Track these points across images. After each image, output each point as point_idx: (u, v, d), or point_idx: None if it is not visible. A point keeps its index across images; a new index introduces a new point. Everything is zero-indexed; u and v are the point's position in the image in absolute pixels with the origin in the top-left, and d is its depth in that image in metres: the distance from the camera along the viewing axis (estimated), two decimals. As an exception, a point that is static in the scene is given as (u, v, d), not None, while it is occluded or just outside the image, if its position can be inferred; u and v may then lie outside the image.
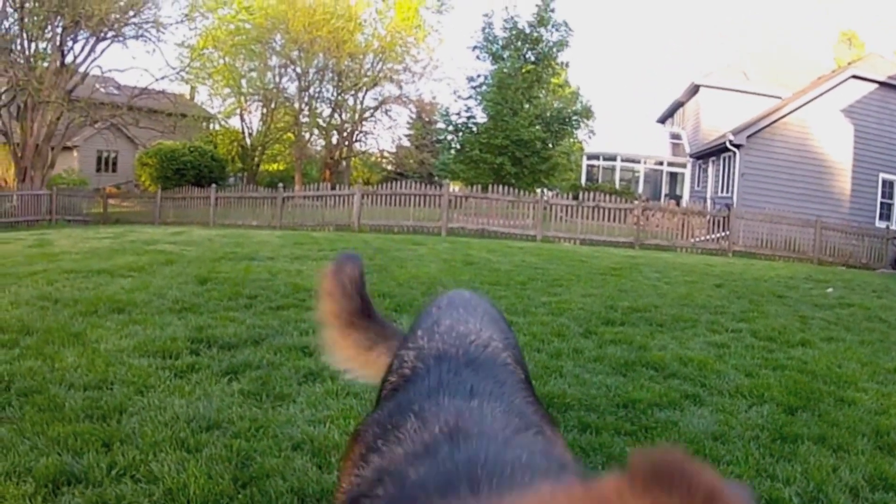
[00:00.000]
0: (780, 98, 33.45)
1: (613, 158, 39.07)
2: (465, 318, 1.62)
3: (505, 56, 35.31)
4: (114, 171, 40.32)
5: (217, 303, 7.45)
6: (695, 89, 37.39)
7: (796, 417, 5.01)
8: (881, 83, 28.59)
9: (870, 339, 8.38)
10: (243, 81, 41.12)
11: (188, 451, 3.60)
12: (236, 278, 9.06)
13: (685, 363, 6.24)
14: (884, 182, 28.75)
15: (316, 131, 43.75)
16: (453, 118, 35.74)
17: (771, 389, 5.58)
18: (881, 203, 28.71)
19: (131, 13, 29.78)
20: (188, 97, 42.21)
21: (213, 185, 26.99)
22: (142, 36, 30.95)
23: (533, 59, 35.47)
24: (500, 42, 35.79)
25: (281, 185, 26.27)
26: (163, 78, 36.04)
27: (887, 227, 25.50)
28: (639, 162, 39.15)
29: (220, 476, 3.36)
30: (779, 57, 39.81)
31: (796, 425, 4.78)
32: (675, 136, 40.88)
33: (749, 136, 28.55)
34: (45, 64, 28.53)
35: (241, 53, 39.72)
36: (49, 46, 29.09)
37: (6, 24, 28.18)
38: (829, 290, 12.83)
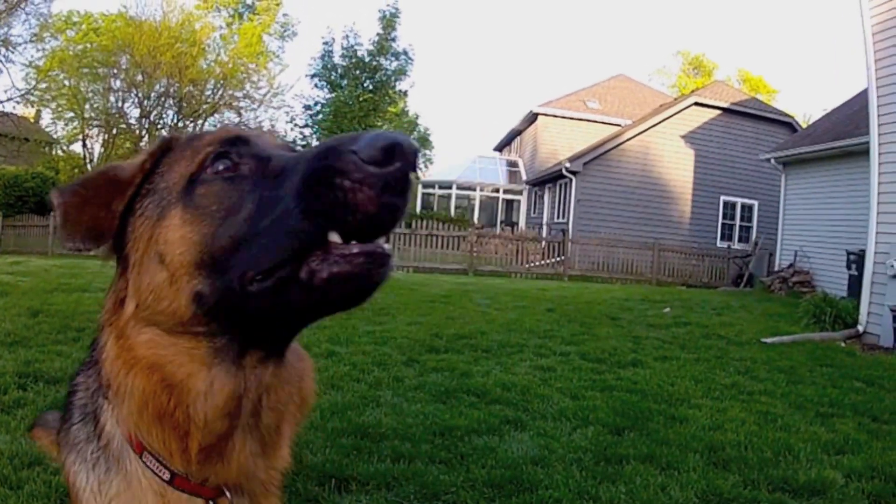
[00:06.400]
0: (619, 126, 34.00)
1: (449, 186, 39.57)
2: None
3: (343, 84, 35.23)
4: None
5: (47, 336, 7.42)
6: (533, 117, 37.67)
7: (623, 438, 5.04)
8: (724, 109, 29.44)
9: (706, 356, 8.62)
10: (87, 105, 39.74)
11: (10, 488, 3.60)
12: (67, 310, 9.03)
13: (508, 388, 6.29)
14: (725, 204, 29.54)
15: (155, 159, 42.17)
16: (288, 147, 35.24)
17: (597, 411, 5.65)
18: (723, 224, 29.50)
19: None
20: (32, 120, 40.76)
21: (52, 214, 25.85)
22: (-10, 55, 29.62)
23: (371, 87, 35.58)
24: (339, 70, 35.74)
25: (117, 214, 25.41)
26: (8, 100, 34.47)
27: (728, 247, 26.60)
28: (475, 190, 39.54)
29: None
30: (619, 84, 40.64)
31: (622, 446, 4.80)
32: (512, 164, 41.62)
33: (586, 163, 28.76)
34: None
35: (86, 76, 38.37)
36: None
37: None
38: (667, 310, 13.13)
